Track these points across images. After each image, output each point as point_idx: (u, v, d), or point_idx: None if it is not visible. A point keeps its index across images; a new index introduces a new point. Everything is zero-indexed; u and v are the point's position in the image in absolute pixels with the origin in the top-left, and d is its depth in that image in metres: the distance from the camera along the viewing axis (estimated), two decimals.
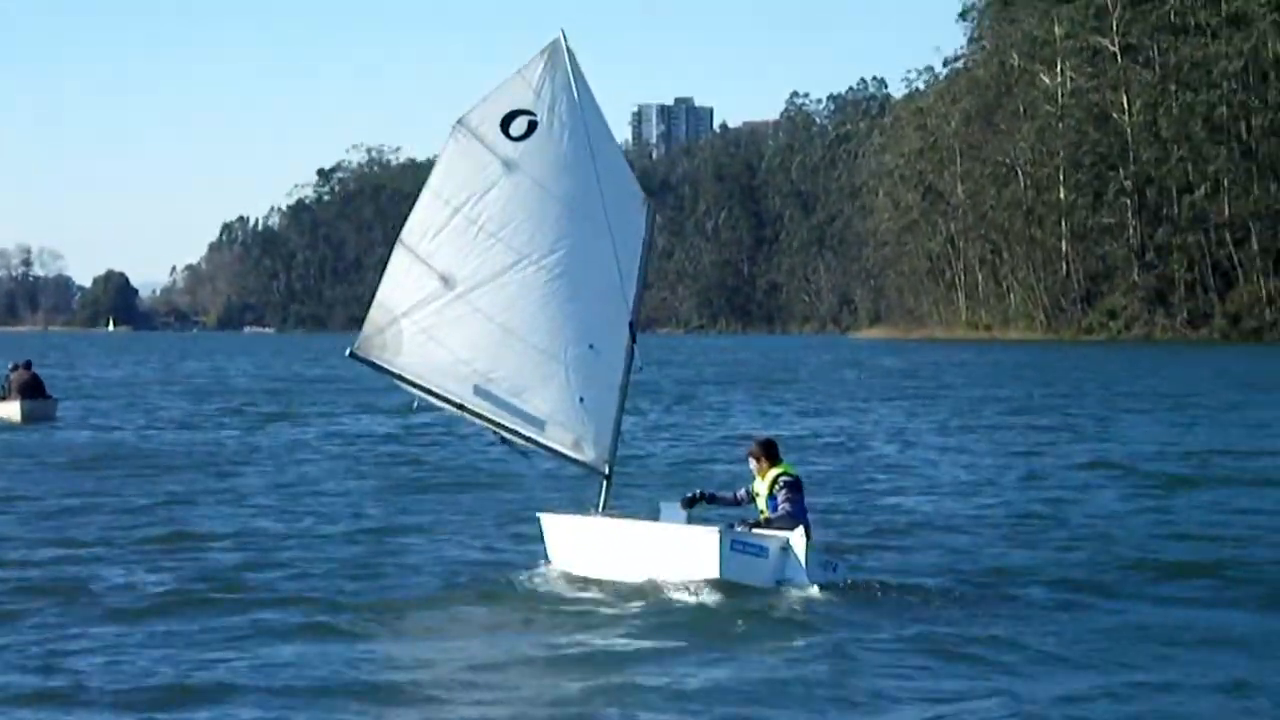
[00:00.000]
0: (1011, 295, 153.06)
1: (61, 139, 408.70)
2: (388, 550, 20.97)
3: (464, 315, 18.66)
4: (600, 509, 18.75)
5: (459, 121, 19.02)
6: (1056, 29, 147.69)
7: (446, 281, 18.70)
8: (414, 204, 18.82)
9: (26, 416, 44.20)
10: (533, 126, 19.11)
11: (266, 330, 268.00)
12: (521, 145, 19.05)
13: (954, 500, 27.00)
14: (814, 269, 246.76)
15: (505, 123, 19.07)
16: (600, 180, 19.04)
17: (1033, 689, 13.85)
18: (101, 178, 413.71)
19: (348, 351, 18.63)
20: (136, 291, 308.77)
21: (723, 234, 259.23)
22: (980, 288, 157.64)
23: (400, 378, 18.58)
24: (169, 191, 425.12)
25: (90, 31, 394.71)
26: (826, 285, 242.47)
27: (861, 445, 38.28)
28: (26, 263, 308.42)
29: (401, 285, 18.59)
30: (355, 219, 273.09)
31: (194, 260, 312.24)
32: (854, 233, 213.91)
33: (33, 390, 45.21)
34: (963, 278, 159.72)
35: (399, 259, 18.65)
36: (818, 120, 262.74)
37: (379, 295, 18.67)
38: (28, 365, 46.08)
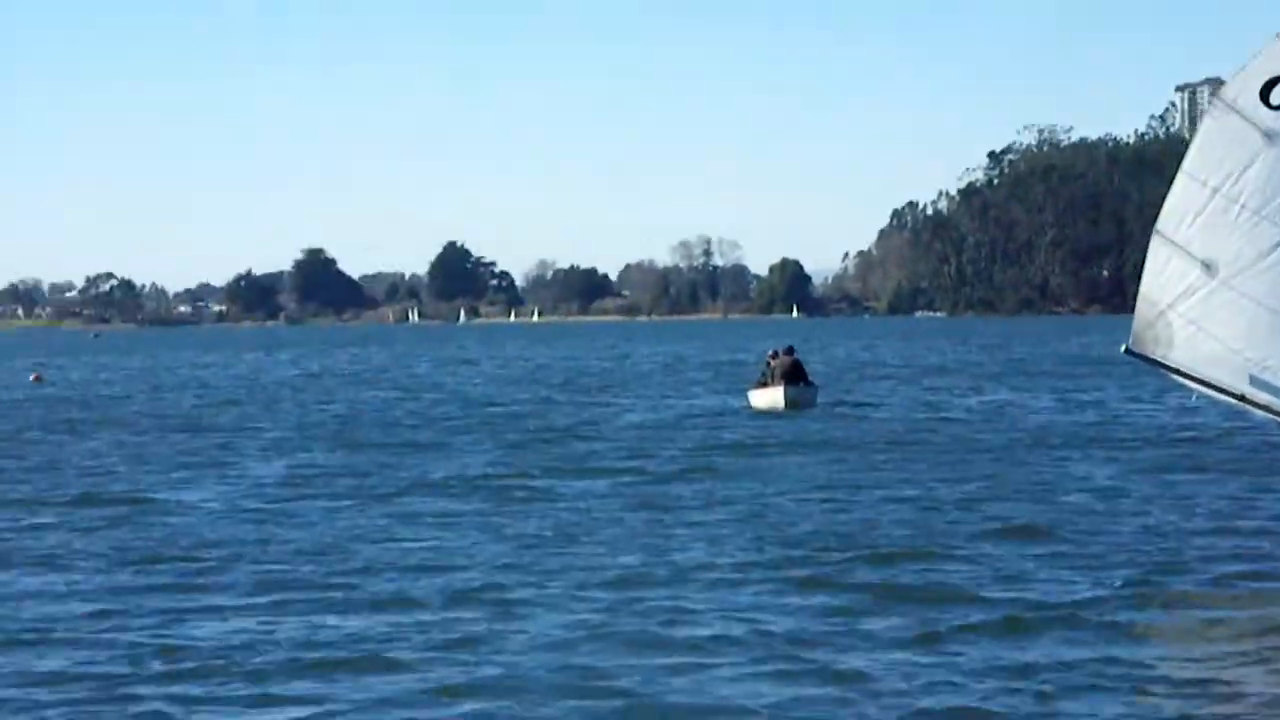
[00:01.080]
0: None
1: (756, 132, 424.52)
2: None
3: (1230, 302, 17.83)
4: None
5: (1214, 95, 18.25)
6: None
7: (1209, 268, 17.93)
8: (1168, 190, 18.09)
9: (790, 403, 43.74)
10: None
11: (937, 314, 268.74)
12: None
13: None
14: None
15: (1265, 91, 18.06)
16: None
17: None
18: (781, 167, 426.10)
19: (1123, 348, 18.19)
20: (810, 279, 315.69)
21: None
22: None
23: (1176, 371, 17.97)
24: (842, 180, 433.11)
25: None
26: None
27: None
28: (707, 253, 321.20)
29: (1162, 277, 18.04)
30: (1026, 201, 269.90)
31: (865, 247, 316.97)
32: None
33: (795, 376, 44.71)
34: None
35: (1156, 250, 18.08)
36: None
37: (1142, 289, 18.14)
38: (789, 350, 45.46)
